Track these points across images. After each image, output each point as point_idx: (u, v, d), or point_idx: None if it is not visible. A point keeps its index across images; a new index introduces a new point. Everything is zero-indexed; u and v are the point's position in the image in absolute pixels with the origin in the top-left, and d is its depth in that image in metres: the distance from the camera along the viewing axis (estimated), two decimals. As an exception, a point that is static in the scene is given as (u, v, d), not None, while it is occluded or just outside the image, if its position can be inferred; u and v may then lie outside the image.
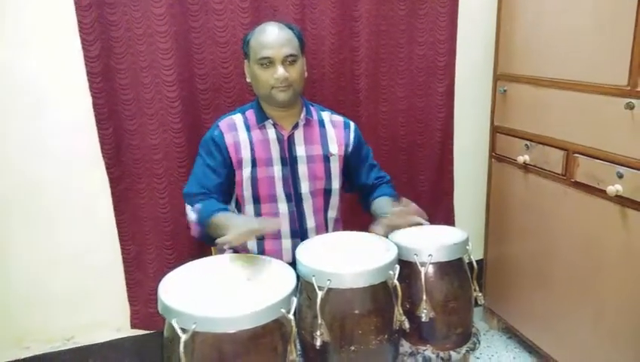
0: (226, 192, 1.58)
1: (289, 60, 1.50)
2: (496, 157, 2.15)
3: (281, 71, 1.48)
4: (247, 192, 1.58)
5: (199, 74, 1.81)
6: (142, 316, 1.93)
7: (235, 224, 1.28)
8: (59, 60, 1.70)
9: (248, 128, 1.58)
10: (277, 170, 1.57)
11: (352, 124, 1.69)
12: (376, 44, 1.99)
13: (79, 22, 1.63)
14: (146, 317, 1.92)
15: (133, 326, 1.95)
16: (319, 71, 1.93)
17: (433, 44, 2.08)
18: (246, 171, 1.56)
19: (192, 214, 1.48)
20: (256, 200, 1.58)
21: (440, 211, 2.26)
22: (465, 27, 2.12)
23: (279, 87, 1.50)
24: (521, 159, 1.94)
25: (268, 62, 1.49)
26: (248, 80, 1.61)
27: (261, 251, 1.60)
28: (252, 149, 1.56)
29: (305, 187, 1.60)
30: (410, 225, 1.43)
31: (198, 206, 1.47)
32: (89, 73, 1.67)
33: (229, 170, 1.55)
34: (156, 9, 1.68)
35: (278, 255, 1.56)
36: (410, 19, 2.02)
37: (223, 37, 1.79)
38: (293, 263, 1.23)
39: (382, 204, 1.58)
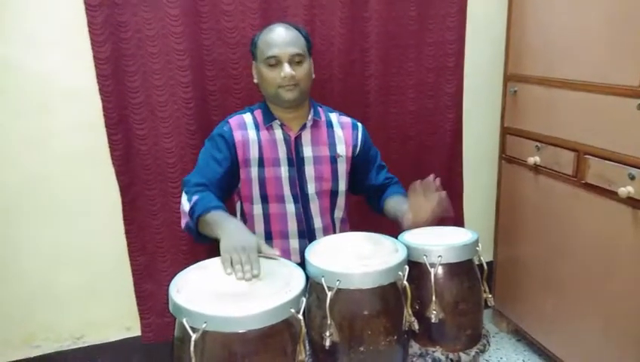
0: (225, 188, 1.55)
1: (296, 60, 1.51)
2: (506, 158, 2.14)
3: (287, 69, 1.49)
4: (255, 192, 1.58)
5: (209, 75, 1.82)
6: (154, 328, 1.91)
7: (230, 234, 1.25)
8: (69, 61, 1.71)
9: (257, 127, 1.58)
10: (284, 170, 1.57)
11: (359, 125, 1.69)
12: (385, 45, 1.98)
13: (89, 22, 1.63)
14: (159, 329, 1.91)
15: (144, 339, 1.93)
16: (328, 72, 1.93)
17: (442, 45, 2.07)
18: (253, 170, 1.56)
19: (186, 204, 1.43)
20: (265, 199, 1.58)
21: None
22: (475, 27, 2.12)
23: (286, 86, 1.50)
24: (531, 160, 1.93)
25: (275, 62, 1.50)
26: (256, 81, 1.61)
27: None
28: (260, 149, 1.56)
29: (311, 188, 1.60)
30: (433, 203, 1.40)
31: (195, 197, 1.41)
32: (99, 75, 1.68)
33: (233, 166, 1.54)
34: (169, 10, 1.68)
35: (286, 255, 1.56)
36: (420, 20, 2.02)
37: (233, 38, 1.80)
38: (301, 264, 1.22)
39: (398, 201, 1.57)
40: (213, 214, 1.35)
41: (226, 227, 1.30)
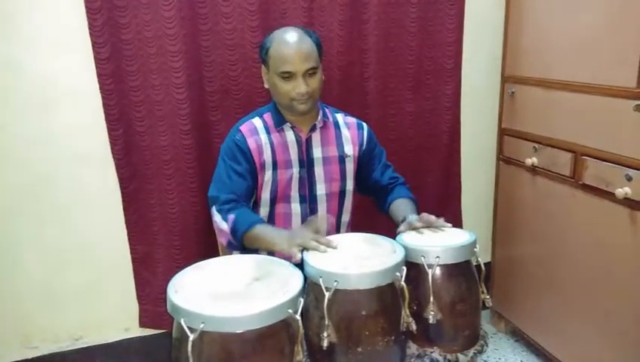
0: (251, 197, 1.58)
1: (310, 72, 1.50)
2: (503, 159, 2.14)
3: (303, 87, 1.48)
4: (265, 194, 1.59)
5: (207, 76, 1.83)
6: (151, 315, 1.94)
7: (282, 238, 1.34)
8: (70, 61, 1.72)
9: (268, 131, 1.58)
10: (295, 171, 1.58)
11: (365, 125, 1.70)
12: (384, 47, 2.00)
13: (90, 24, 1.64)
14: (154, 316, 1.94)
15: (142, 324, 1.96)
16: (328, 73, 1.93)
17: (441, 47, 2.08)
18: (267, 174, 1.57)
19: (223, 224, 1.48)
20: (273, 201, 1.60)
21: (447, 213, 2.25)
22: (473, 29, 2.13)
23: (300, 99, 1.50)
24: (529, 161, 1.94)
25: (289, 75, 1.48)
26: (266, 86, 1.59)
27: (269, 252, 1.61)
28: (273, 152, 1.57)
29: (320, 189, 1.61)
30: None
31: (231, 216, 1.46)
32: (99, 75, 1.69)
33: (254, 175, 1.56)
34: (165, 12, 1.69)
35: (286, 256, 1.57)
36: (419, 22, 2.03)
37: (232, 40, 1.80)
38: (300, 264, 1.23)
39: (402, 206, 1.57)
40: (258, 229, 1.42)
41: (275, 231, 1.41)
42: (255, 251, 1.52)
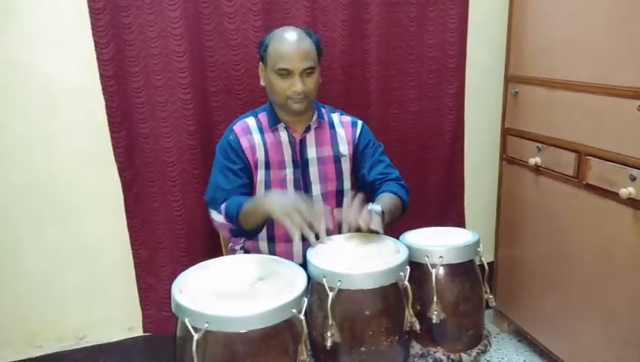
0: (249, 195, 1.58)
1: (307, 72, 1.50)
2: (507, 159, 2.14)
3: (299, 85, 1.48)
4: (259, 194, 1.58)
5: (211, 76, 1.83)
6: (155, 320, 1.93)
7: (274, 202, 1.33)
8: (73, 62, 1.72)
9: (261, 130, 1.59)
10: (289, 172, 1.58)
11: (359, 122, 1.69)
12: (386, 47, 2.00)
13: (93, 24, 1.64)
14: (159, 321, 1.93)
15: (146, 330, 1.95)
16: (330, 73, 1.93)
17: (443, 46, 2.08)
18: (260, 173, 1.57)
19: (219, 216, 1.51)
20: None
21: (450, 213, 2.26)
22: (476, 28, 2.12)
23: (295, 98, 1.50)
24: (532, 161, 1.94)
25: (286, 73, 1.48)
26: (262, 83, 1.60)
27: (272, 253, 1.61)
28: (266, 152, 1.57)
29: (316, 189, 1.61)
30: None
31: (222, 206, 1.49)
32: (102, 76, 1.69)
33: (249, 172, 1.56)
34: (171, 12, 1.69)
35: (289, 257, 1.56)
36: (421, 22, 2.03)
37: (235, 40, 1.81)
38: (303, 266, 1.23)
39: (377, 200, 1.52)
40: (247, 204, 1.43)
41: (266, 201, 1.37)
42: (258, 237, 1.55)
